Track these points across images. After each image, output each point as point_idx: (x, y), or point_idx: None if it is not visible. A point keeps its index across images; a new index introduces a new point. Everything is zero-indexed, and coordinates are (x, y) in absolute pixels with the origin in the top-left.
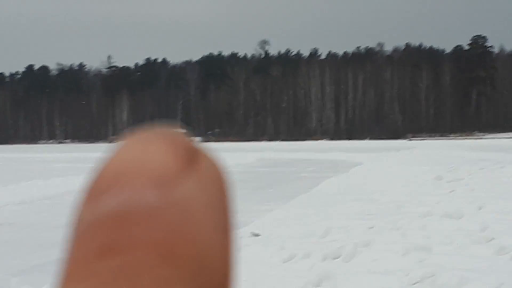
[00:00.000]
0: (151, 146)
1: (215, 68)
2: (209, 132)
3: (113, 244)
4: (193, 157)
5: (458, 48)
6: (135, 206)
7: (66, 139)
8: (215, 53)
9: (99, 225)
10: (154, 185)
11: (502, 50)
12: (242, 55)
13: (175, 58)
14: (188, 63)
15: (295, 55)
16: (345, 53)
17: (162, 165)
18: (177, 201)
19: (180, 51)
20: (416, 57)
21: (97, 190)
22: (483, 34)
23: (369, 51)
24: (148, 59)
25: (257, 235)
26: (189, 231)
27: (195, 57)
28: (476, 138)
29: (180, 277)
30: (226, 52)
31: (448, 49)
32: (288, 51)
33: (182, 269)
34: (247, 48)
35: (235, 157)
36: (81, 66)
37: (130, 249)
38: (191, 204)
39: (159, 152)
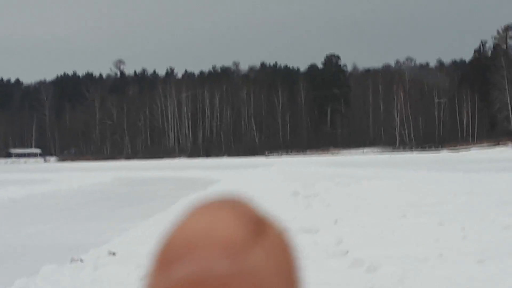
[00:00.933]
0: (219, 215)
1: (70, 88)
2: (65, 152)
3: None
4: (260, 227)
5: (312, 67)
6: (206, 274)
7: None
8: (70, 73)
9: None
10: (224, 254)
11: (355, 69)
12: (98, 75)
13: (29, 78)
14: (42, 83)
15: (151, 74)
16: (201, 72)
17: (230, 235)
18: (247, 269)
19: (34, 71)
20: (272, 76)
21: (168, 258)
22: (336, 53)
23: (225, 70)
24: (0, 80)
25: (113, 254)
26: None
27: (50, 77)
28: (332, 154)
29: None
30: (81, 72)
31: (303, 68)
32: (144, 71)
33: None
34: (103, 68)
35: (92, 176)
36: None
37: None
38: (261, 272)
39: (227, 221)
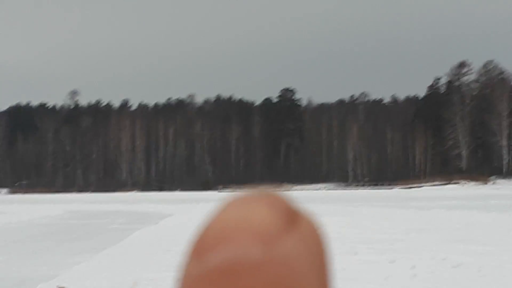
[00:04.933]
0: (254, 206)
1: (23, 119)
2: (17, 184)
3: None
4: (293, 217)
5: (267, 101)
6: (240, 261)
7: None
8: (23, 103)
9: (206, 278)
10: (257, 241)
11: (310, 103)
12: (51, 106)
13: None
14: None
15: (105, 106)
16: (156, 104)
17: (265, 224)
18: (280, 256)
19: None
20: (227, 109)
21: (203, 246)
22: (292, 87)
23: (180, 103)
24: None
25: None
26: (291, 284)
27: (2, 107)
28: (285, 190)
29: None
30: (34, 102)
31: (258, 102)
32: (98, 102)
33: None
34: (56, 99)
35: (43, 209)
36: None
37: None
38: (293, 260)
39: (261, 211)
